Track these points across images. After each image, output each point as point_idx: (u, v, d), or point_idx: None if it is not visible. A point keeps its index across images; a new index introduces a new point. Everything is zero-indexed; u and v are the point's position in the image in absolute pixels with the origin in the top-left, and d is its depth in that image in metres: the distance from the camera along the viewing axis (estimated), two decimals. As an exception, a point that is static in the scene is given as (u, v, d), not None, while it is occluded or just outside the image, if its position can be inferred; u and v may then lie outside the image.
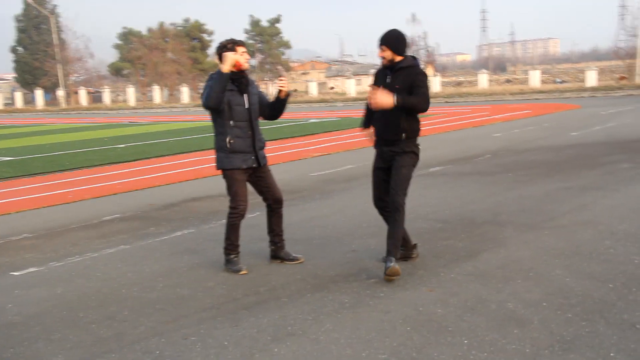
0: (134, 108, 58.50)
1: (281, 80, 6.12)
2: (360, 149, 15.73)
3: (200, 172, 13.09)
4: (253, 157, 6.04)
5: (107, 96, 69.70)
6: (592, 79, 42.59)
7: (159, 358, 4.27)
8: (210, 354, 4.27)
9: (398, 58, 5.72)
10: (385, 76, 5.81)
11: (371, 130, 6.11)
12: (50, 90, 77.14)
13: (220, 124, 5.98)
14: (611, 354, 3.88)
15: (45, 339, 4.72)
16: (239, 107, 5.93)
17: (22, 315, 5.28)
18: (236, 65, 5.83)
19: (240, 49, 5.93)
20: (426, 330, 4.40)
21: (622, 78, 46.16)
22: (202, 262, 6.52)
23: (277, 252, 6.35)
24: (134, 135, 24.62)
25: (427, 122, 22.08)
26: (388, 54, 5.70)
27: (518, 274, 5.49)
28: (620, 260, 5.69)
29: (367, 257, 6.31)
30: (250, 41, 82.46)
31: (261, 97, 6.22)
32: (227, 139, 5.93)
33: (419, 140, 5.90)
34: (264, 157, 6.20)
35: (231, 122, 5.91)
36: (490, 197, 8.83)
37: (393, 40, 5.71)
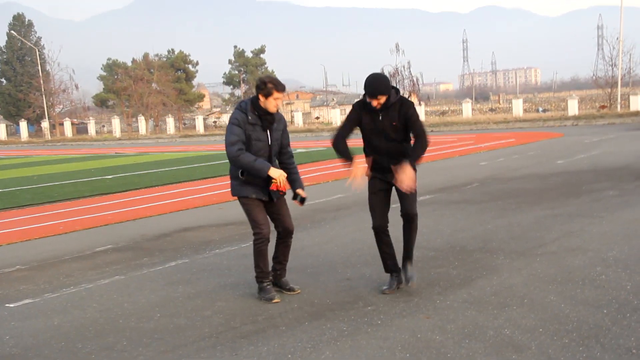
0: (119, 139, 58.48)
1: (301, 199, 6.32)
2: (348, 179, 15.83)
3: (191, 203, 13.12)
4: (265, 191, 6.06)
5: (92, 127, 69.71)
6: (573, 107, 43.19)
7: (161, 387, 4.29)
8: (212, 383, 4.29)
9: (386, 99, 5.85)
10: (375, 115, 5.95)
11: (364, 160, 6.23)
12: (34, 122, 77.02)
13: None
14: (608, 378, 3.95)
15: (45, 370, 4.72)
16: (259, 143, 5.98)
17: (20, 346, 5.28)
18: (275, 186, 5.93)
19: (277, 95, 5.93)
20: (425, 357, 4.46)
21: (602, 107, 46.83)
22: (198, 292, 6.54)
23: (276, 280, 6.38)
24: (122, 166, 24.62)
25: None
26: (383, 99, 5.84)
27: (513, 300, 5.57)
28: (612, 286, 5.78)
29: (362, 285, 6.36)
30: (235, 72, 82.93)
31: (283, 135, 6.29)
32: (240, 170, 5.97)
33: None
34: (277, 192, 6.14)
35: (272, 192, 6.01)
36: (480, 225, 8.93)
37: (384, 87, 5.82)
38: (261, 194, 6.07)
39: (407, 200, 5.97)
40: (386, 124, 5.91)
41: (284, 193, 6.08)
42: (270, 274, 6.29)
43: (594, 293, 5.63)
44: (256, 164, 5.84)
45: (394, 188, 6.07)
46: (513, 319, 5.09)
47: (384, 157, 6.04)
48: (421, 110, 49.97)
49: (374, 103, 5.87)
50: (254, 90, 6.18)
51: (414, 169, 5.85)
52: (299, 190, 6.31)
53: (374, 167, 6.16)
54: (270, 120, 6.04)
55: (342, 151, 6.19)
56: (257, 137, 5.97)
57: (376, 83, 5.85)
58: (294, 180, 6.38)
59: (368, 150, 6.20)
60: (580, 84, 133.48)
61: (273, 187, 5.95)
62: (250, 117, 5.93)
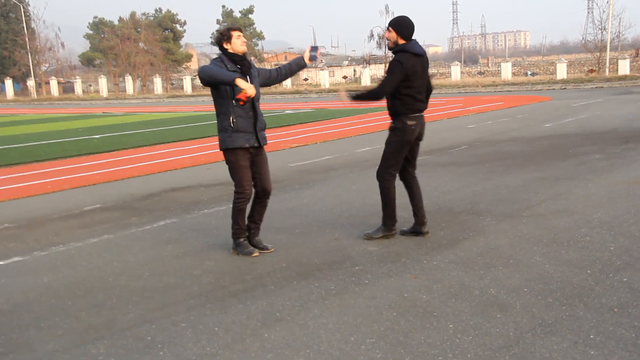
0: (106, 99, 58.04)
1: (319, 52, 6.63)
2: (337, 140, 15.86)
3: (179, 163, 13.10)
4: (254, 137, 6.14)
5: (78, 86, 69.00)
6: (562, 71, 43.19)
7: (151, 344, 4.34)
8: (201, 339, 4.35)
9: (401, 41, 6.26)
10: (417, 60, 6.31)
11: None
12: (20, 80, 76.09)
13: (223, 104, 6.09)
14: (591, 336, 4.04)
15: (35, 327, 4.76)
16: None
17: (11, 303, 5.32)
18: (242, 97, 5.89)
19: (236, 34, 6.11)
20: (412, 316, 4.53)
21: (591, 71, 46.83)
22: (187, 251, 6.58)
23: (250, 239, 6.44)
24: (109, 126, 24.48)
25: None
26: (392, 35, 6.28)
27: (498, 261, 5.65)
28: (596, 247, 5.87)
29: (350, 246, 6.42)
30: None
31: (261, 72, 6.45)
32: (231, 118, 6.03)
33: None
34: (265, 137, 6.31)
35: (234, 102, 6.02)
36: (467, 187, 8.99)
37: (397, 24, 6.27)
38: (252, 140, 6.13)
39: (414, 162, 6.80)
40: (426, 66, 6.46)
41: (245, 103, 5.97)
42: (246, 231, 6.38)
43: (578, 254, 5.72)
44: (224, 72, 5.91)
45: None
46: (498, 279, 5.17)
47: (423, 98, 6.52)
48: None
49: (385, 35, 6.49)
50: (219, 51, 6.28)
51: (352, 100, 6.58)
52: (306, 57, 6.57)
53: (414, 113, 6.46)
54: (247, 65, 6.18)
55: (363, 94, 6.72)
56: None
57: (395, 17, 6.38)
58: (290, 63, 6.62)
59: (408, 96, 6.43)
60: (569, 47, 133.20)
61: (241, 96, 5.86)
62: (229, 66, 6.06)
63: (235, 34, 6.12)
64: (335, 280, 5.41)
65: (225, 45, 6.10)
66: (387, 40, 6.39)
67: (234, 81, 5.80)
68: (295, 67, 6.61)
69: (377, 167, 6.64)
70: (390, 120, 6.51)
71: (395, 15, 6.56)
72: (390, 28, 6.30)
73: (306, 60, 6.55)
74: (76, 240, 7.29)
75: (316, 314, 4.68)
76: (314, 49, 6.63)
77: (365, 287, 5.18)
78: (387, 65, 6.37)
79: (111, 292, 5.46)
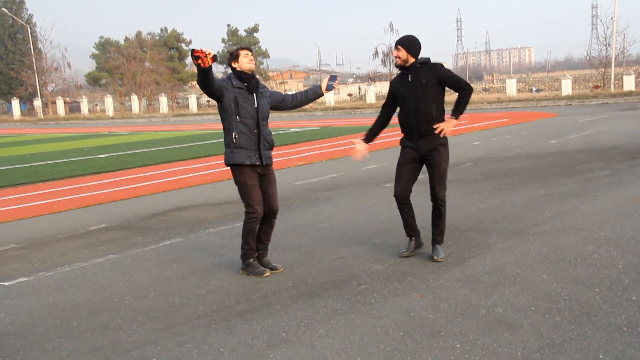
0: (112, 118, 58.28)
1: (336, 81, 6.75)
2: (342, 158, 15.85)
3: (184, 182, 13.11)
4: (257, 155, 6.14)
5: (84, 106, 69.36)
6: (567, 87, 43.16)
7: (156, 365, 4.32)
8: (207, 361, 4.32)
9: (412, 59, 6.34)
10: (405, 77, 6.43)
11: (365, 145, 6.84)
12: (26, 100, 76.54)
13: (227, 120, 6.14)
14: (600, 356, 3.99)
15: (40, 348, 4.74)
16: (246, 105, 6.11)
17: (15, 324, 5.30)
18: (195, 54, 5.64)
19: (243, 52, 6.19)
20: (419, 335, 4.50)
21: (596, 87, 46.81)
22: (192, 271, 6.56)
23: (259, 259, 6.41)
24: (115, 145, 24.55)
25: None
26: (403, 53, 6.32)
27: (505, 279, 5.61)
28: (604, 265, 5.83)
29: (356, 265, 6.39)
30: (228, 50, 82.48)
31: (274, 94, 6.51)
32: (233, 134, 6.07)
33: None
34: (269, 157, 6.29)
35: (237, 118, 6.07)
36: (473, 205, 8.96)
37: (408, 42, 6.35)
38: (254, 158, 6.13)
39: (437, 185, 6.47)
40: (416, 83, 6.32)
41: (205, 64, 5.70)
42: (256, 251, 6.36)
43: (585, 272, 5.67)
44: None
45: (425, 165, 6.58)
46: (505, 298, 5.13)
47: (412, 119, 6.41)
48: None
49: (394, 53, 6.40)
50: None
51: (458, 118, 6.35)
52: (323, 84, 6.73)
53: (404, 133, 6.59)
54: (255, 83, 6.21)
55: (370, 129, 6.91)
56: (243, 99, 6.12)
57: (403, 36, 6.44)
58: (307, 91, 6.76)
59: (399, 116, 6.59)
60: (574, 63, 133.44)
61: (199, 53, 5.61)
62: (234, 82, 6.14)
63: (242, 52, 6.20)
64: (341, 299, 5.38)
65: (233, 64, 6.20)
66: (396, 58, 6.40)
67: (196, 61, 5.68)
68: (311, 95, 6.73)
69: (439, 191, 6.47)
70: (434, 134, 6.34)
71: (402, 34, 6.61)
72: (399, 47, 6.33)
73: (323, 89, 6.69)
74: (81, 260, 7.28)
75: (322, 333, 4.65)
76: (333, 78, 6.79)
77: (372, 307, 5.15)
78: (439, 68, 6.38)
79: (116, 312, 5.44)
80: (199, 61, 5.65)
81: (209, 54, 5.64)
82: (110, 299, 5.83)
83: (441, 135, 6.30)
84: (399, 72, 6.53)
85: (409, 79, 6.38)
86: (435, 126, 6.27)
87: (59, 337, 4.95)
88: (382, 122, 6.83)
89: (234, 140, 6.08)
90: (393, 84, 6.62)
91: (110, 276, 6.56)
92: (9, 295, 6.14)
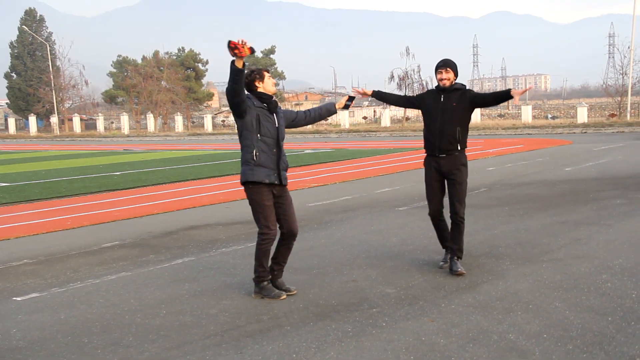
0: (128, 136, 58.64)
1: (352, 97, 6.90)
2: (356, 180, 15.86)
3: (198, 201, 13.16)
4: (276, 174, 6.15)
5: (100, 123, 69.88)
6: (583, 115, 43.07)
7: (166, 384, 4.31)
8: (216, 380, 4.32)
9: (454, 81, 6.80)
10: (437, 96, 6.85)
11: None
12: (43, 116, 77.26)
13: (247, 137, 6.14)
14: (612, 385, 3.96)
15: (51, 364, 4.76)
16: (268, 124, 6.15)
17: (27, 340, 5.32)
18: (232, 44, 5.73)
19: (267, 74, 6.31)
20: (429, 360, 4.48)
21: (612, 115, 46.68)
22: (204, 290, 6.57)
23: (273, 280, 6.39)
24: (130, 163, 24.70)
25: (423, 155, 22.29)
26: (451, 75, 6.76)
27: (517, 305, 5.58)
28: (617, 294, 5.79)
29: (367, 287, 6.38)
30: (245, 71, 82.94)
31: (286, 113, 6.57)
32: (254, 152, 6.08)
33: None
34: (286, 177, 6.31)
35: (258, 136, 6.11)
36: (486, 230, 8.93)
37: (454, 65, 6.86)
38: (273, 177, 6.14)
39: (457, 203, 6.79)
40: (446, 105, 6.74)
41: (242, 53, 5.80)
42: (269, 273, 6.33)
43: (599, 300, 5.64)
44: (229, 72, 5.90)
45: (446, 184, 6.93)
46: (517, 324, 5.10)
47: (436, 138, 6.81)
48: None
49: (443, 75, 6.75)
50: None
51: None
52: (340, 104, 6.90)
53: (427, 150, 7.03)
54: (275, 103, 6.29)
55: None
56: (265, 119, 6.16)
57: (448, 59, 6.89)
58: (321, 107, 6.90)
59: (424, 132, 7.05)
60: (590, 91, 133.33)
61: (237, 44, 5.71)
62: (255, 102, 6.18)
63: (267, 74, 6.29)
64: (352, 322, 5.37)
65: (257, 84, 6.23)
66: (444, 80, 6.74)
67: (234, 63, 5.77)
68: (324, 112, 6.83)
69: (458, 209, 6.78)
70: (458, 154, 6.84)
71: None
72: (449, 69, 6.75)
73: (338, 107, 6.81)
74: (94, 277, 7.31)
75: (332, 356, 4.64)
76: (351, 99, 6.91)
77: (383, 330, 5.13)
78: (471, 92, 6.88)
79: (127, 329, 5.46)
80: (236, 51, 5.71)
81: (246, 43, 5.73)
82: (122, 316, 5.84)
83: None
84: (433, 90, 6.97)
85: (441, 99, 6.79)
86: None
87: (70, 353, 4.97)
88: (395, 97, 7.46)
89: (255, 158, 6.09)
90: (424, 98, 7.06)
91: (122, 293, 6.58)
92: (21, 310, 6.17)
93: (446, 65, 6.78)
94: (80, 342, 5.21)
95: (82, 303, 6.31)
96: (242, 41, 5.74)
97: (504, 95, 6.75)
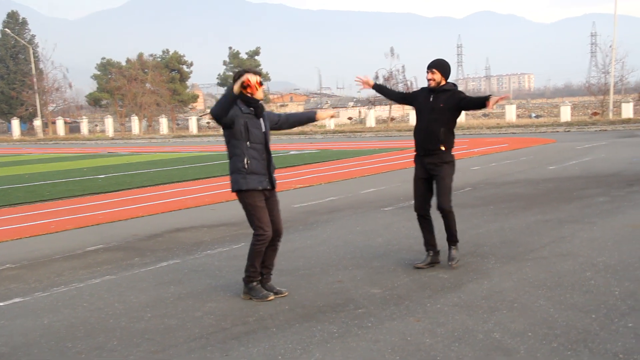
0: (112, 138, 58.34)
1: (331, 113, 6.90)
2: (341, 181, 15.86)
3: (183, 203, 13.11)
4: (267, 179, 6.17)
5: (84, 126, 69.41)
6: (566, 114, 43.34)
7: (151, 387, 4.29)
8: (202, 383, 4.30)
9: (443, 82, 6.89)
10: (427, 96, 6.95)
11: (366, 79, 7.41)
12: (26, 120, 76.61)
13: (236, 146, 6.11)
14: (596, 383, 3.98)
15: (34, 369, 4.72)
16: (255, 130, 6.14)
17: (9, 345, 5.27)
18: (245, 83, 5.92)
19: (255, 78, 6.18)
20: (415, 360, 4.48)
21: (595, 114, 47.00)
22: (189, 293, 6.54)
23: (262, 284, 6.38)
24: (114, 166, 24.57)
25: (408, 155, 22.32)
26: (437, 76, 6.86)
27: (502, 304, 5.60)
28: (601, 292, 5.82)
29: (353, 288, 6.38)
30: (229, 73, 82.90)
31: (270, 116, 6.56)
32: (245, 160, 6.07)
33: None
34: (275, 180, 6.34)
35: (248, 144, 6.09)
36: (471, 229, 8.96)
37: (441, 66, 6.91)
38: (265, 183, 6.17)
39: (441, 197, 6.92)
40: (434, 106, 6.85)
41: (253, 93, 6.07)
42: (260, 275, 6.31)
43: (583, 298, 5.66)
44: (223, 95, 5.95)
45: (434, 181, 7.05)
46: (503, 323, 5.12)
47: (421, 137, 6.98)
48: (414, 115, 49.95)
49: (429, 76, 6.86)
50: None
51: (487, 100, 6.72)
52: (320, 116, 6.85)
53: (415, 148, 7.15)
54: (261, 107, 6.26)
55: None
56: (253, 125, 6.15)
57: (437, 60, 7.01)
58: (302, 114, 6.96)
59: (414, 130, 7.18)
60: (573, 90, 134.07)
61: (249, 82, 5.90)
62: (243, 108, 6.12)
63: (254, 78, 6.18)
64: (338, 323, 5.36)
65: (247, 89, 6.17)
66: (430, 81, 6.85)
67: (233, 89, 5.85)
68: (304, 119, 6.92)
69: (443, 203, 6.93)
70: (441, 153, 6.96)
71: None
72: (434, 70, 6.85)
73: (318, 117, 6.80)
74: (78, 281, 7.26)
75: (318, 357, 4.63)
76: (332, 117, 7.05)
77: (368, 330, 5.13)
78: (460, 94, 6.92)
79: (112, 333, 5.42)
80: (248, 89, 5.93)
81: (257, 82, 5.97)
82: (106, 320, 5.81)
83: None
84: (425, 88, 7.04)
85: (430, 99, 6.90)
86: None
87: (53, 358, 4.93)
88: (392, 92, 7.72)
89: (246, 166, 6.07)
90: (417, 96, 7.17)
91: (107, 297, 6.54)
92: (3, 315, 6.11)
93: (432, 66, 6.89)
94: (64, 347, 5.17)
95: (66, 307, 6.26)
96: (258, 82, 5.99)
97: (481, 104, 6.78)
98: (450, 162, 6.99)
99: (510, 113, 47.87)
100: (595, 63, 60.63)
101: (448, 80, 6.97)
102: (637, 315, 5.16)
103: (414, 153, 7.23)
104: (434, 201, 7.11)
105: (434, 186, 7.05)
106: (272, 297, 6.17)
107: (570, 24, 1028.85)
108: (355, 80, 7.45)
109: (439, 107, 6.84)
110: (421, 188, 7.12)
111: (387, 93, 7.62)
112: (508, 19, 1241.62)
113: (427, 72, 6.90)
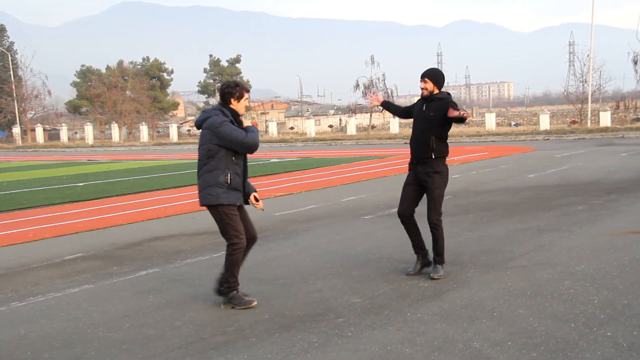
0: (92, 146, 57.98)
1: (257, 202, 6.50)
2: (321, 189, 15.86)
3: (162, 211, 13.03)
4: (242, 196, 6.21)
5: (64, 134, 68.89)
6: (545, 122, 43.69)
7: (129, 399, 4.24)
8: (180, 395, 4.26)
9: (436, 91, 6.94)
10: (421, 105, 7.04)
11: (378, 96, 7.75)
12: (5, 127, 75.95)
13: (222, 159, 6.04)
14: (575, 392, 3.99)
15: (10, 381, 4.65)
16: None
17: (-15, 356, 5.20)
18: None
19: (246, 95, 6.25)
20: (395, 370, 4.47)
21: (573, 122, 47.43)
22: (168, 302, 6.49)
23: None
24: (94, 174, 24.39)
25: (388, 163, 22.35)
26: (430, 85, 6.93)
27: (482, 313, 5.61)
28: (580, 300, 5.85)
29: (333, 297, 6.36)
30: (210, 80, 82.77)
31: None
32: (229, 175, 6.04)
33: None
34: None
35: (234, 158, 6.08)
36: (451, 238, 8.95)
37: (434, 75, 6.98)
38: (241, 199, 6.22)
39: (430, 210, 6.96)
40: (426, 114, 6.94)
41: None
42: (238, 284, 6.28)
43: (562, 307, 5.69)
44: (252, 129, 6.15)
45: (424, 191, 7.08)
46: (482, 332, 5.12)
47: (414, 145, 7.06)
48: (396, 122, 50.21)
49: (421, 86, 6.95)
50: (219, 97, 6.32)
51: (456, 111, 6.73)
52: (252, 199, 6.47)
53: (410, 156, 7.20)
54: (240, 122, 6.24)
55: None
56: None
57: (430, 69, 7.11)
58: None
59: (409, 141, 7.22)
60: (551, 99, 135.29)
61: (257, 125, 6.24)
62: (233, 121, 6.16)
63: (246, 95, 6.23)
64: (318, 332, 5.34)
65: (232, 101, 6.15)
66: (423, 90, 6.94)
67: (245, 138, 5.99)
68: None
69: (432, 216, 6.95)
70: (433, 162, 6.97)
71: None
72: (426, 79, 6.91)
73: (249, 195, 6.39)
74: (55, 290, 7.18)
75: (298, 367, 4.61)
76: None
77: (348, 340, 5.12)
78: (448, 104, 6.86)
79: (89, 344, 5.36)
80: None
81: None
82: (84, 330, 5.75)
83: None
84: (421, 99, 7.08)
85: (424, 108, 6.98)
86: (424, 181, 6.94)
87: (29, 369, 4.86)
88: (398, 108, 7.70)
89: (229, 182, 6.05)
90: (414, 106, 7.25)
91: (85, 307, 6.48)
92: (-20, 325, 6.03)
93: (425, 75, 6.96)
94: (41, 357, 5.11)
95: (43, 317, 6.19)
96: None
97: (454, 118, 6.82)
98: (442, 172, 7.04)
99: (490, 121, 48.16)
100: (573, 72, 61.15)
101: (442, 90, 7.02)
102: (616, 325, 5.19)
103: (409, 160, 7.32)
104: (418, 208, 7.13)
105: (425, 196, 7.10)
106: (255, 302, 6.17)
107: (549, 33, 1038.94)
108: (366, 99, 7.55)
109: (429, 116, 6.91)
110: (409, 193, 7.16)
111: (393, 110, 7.69)
112: (487, 27, 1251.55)
113: (421, 82, 6.97)
